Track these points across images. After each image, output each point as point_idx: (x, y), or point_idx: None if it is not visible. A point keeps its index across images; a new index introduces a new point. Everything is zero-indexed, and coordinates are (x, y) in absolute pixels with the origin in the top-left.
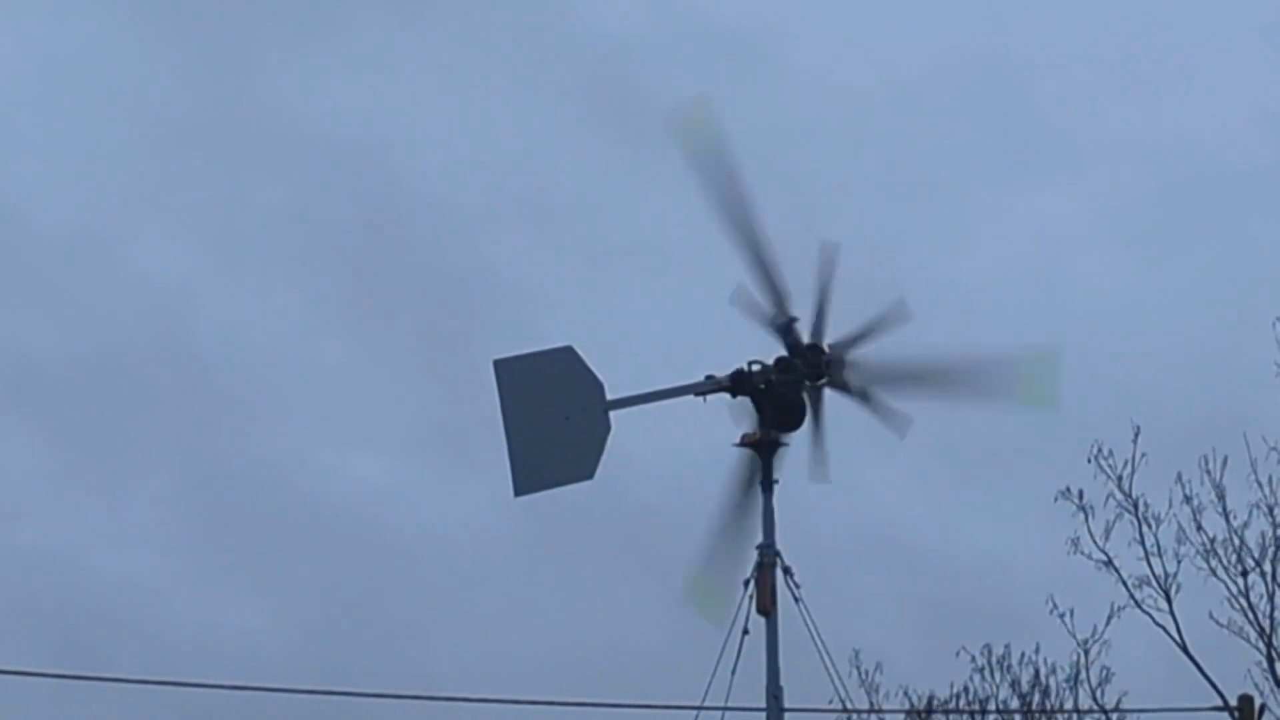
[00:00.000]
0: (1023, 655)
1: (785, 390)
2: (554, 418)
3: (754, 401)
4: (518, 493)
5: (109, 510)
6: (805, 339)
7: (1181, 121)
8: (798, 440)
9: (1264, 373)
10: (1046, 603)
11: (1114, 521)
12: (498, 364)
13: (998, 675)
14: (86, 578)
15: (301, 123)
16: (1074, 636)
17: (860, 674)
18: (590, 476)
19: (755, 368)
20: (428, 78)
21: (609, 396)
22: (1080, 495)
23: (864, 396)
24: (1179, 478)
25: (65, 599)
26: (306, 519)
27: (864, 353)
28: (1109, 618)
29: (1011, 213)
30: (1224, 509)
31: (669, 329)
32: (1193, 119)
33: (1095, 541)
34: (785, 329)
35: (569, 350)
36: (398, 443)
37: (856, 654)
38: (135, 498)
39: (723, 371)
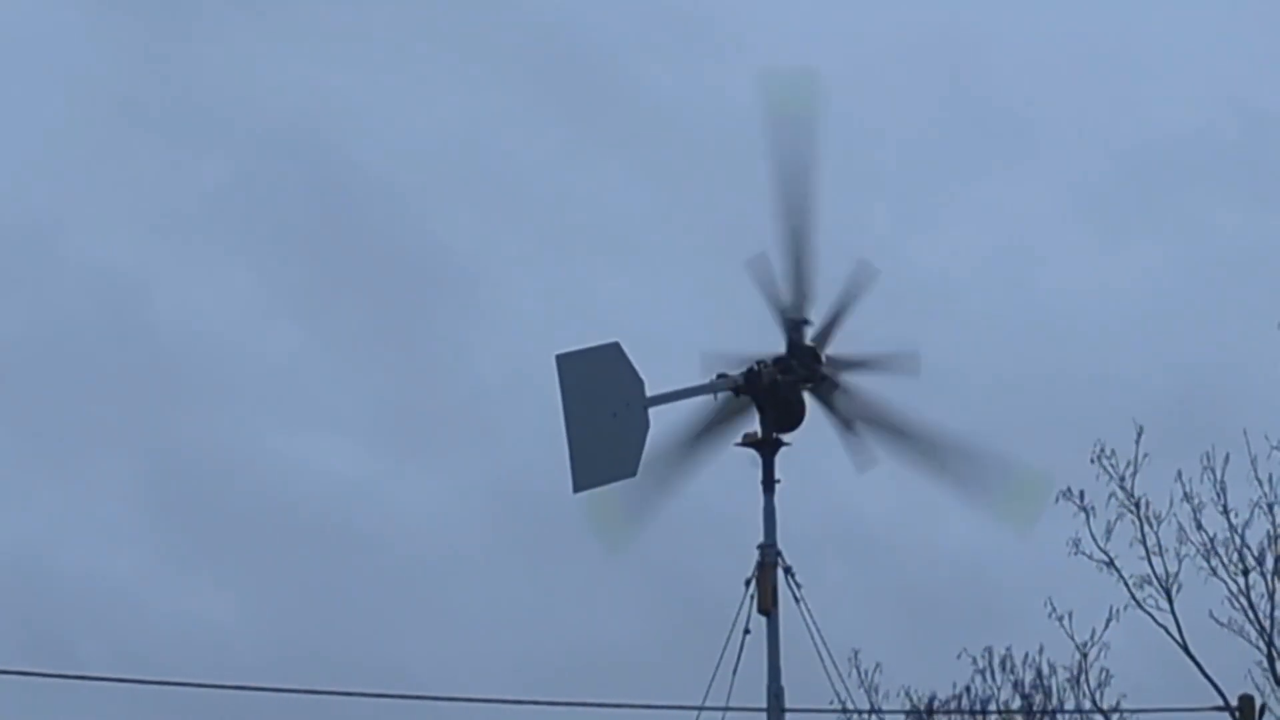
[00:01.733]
0: (1026, 656)
1: (786, 391)
2: (603, 414)
3: (756, 401)
4: (577, 489)
5: (70, 502)
6: (807, 341)
7: (1142, 105)
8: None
9: (1238, 361)
10: (1045, 605)
11: (1115, 521)
12: (560, 359)
13: (999, 677)
14: (50, 571)
15: (245, 98)
16: (1073, 639)
17: (860, 674)
18: (634, 474)
19: (762, 368)
20: (375, 52)
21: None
22: (1081, 496)
23: (845, 424)
24: (1179, 475)
25: (29, 593)
26: (270, 508)
27: (861, 384)
28: (1108, 621)
29: (974, 198)
30: (1224, 507)
31: (628, 309)
32: (1153, 103)
33: (1096, 541)
34: (794, 326)
35: (616, 346)
36: (359, 429)
37: (856, 654)
38: (96, 488)
39: (722, 365)
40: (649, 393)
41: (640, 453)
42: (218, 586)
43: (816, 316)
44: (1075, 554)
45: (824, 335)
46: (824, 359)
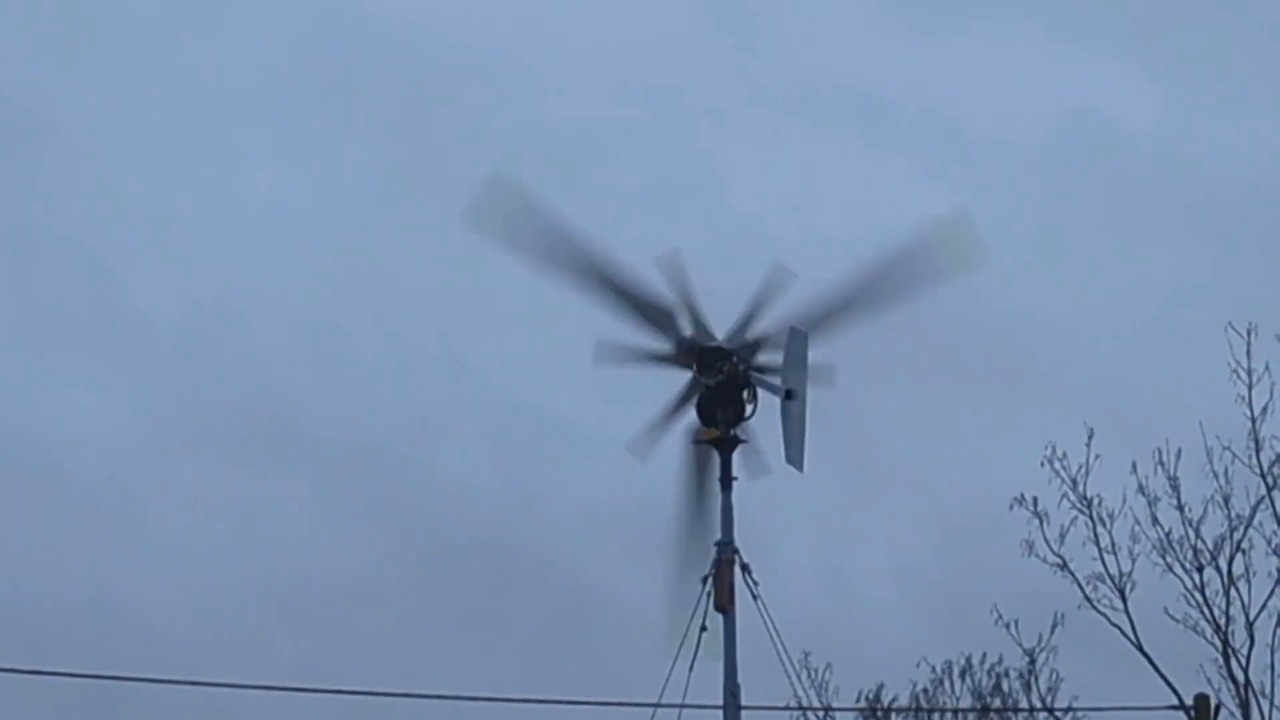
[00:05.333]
0: (984, 657)
1: (730, 384)
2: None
3: (700, 398)
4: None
5: None
6: (701, 343)
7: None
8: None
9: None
10: (991, 612)
11: (1069, 526)
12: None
13: (957, 686)
14: None
15: None
16: (1020, 645)
17: (810, 674)
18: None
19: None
20: None
21: None
22: (1035, 503)
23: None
24: (1134, 468)
25: None
26: None
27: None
28: (1054, 627)
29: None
30: (1179, 502)
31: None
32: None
33: (1050, 545)
34: (688, 348)
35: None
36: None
37: (806, 656)
38: None
39: None
40: None
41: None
42: None
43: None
44: (1029, 556)
45: (738, 334)
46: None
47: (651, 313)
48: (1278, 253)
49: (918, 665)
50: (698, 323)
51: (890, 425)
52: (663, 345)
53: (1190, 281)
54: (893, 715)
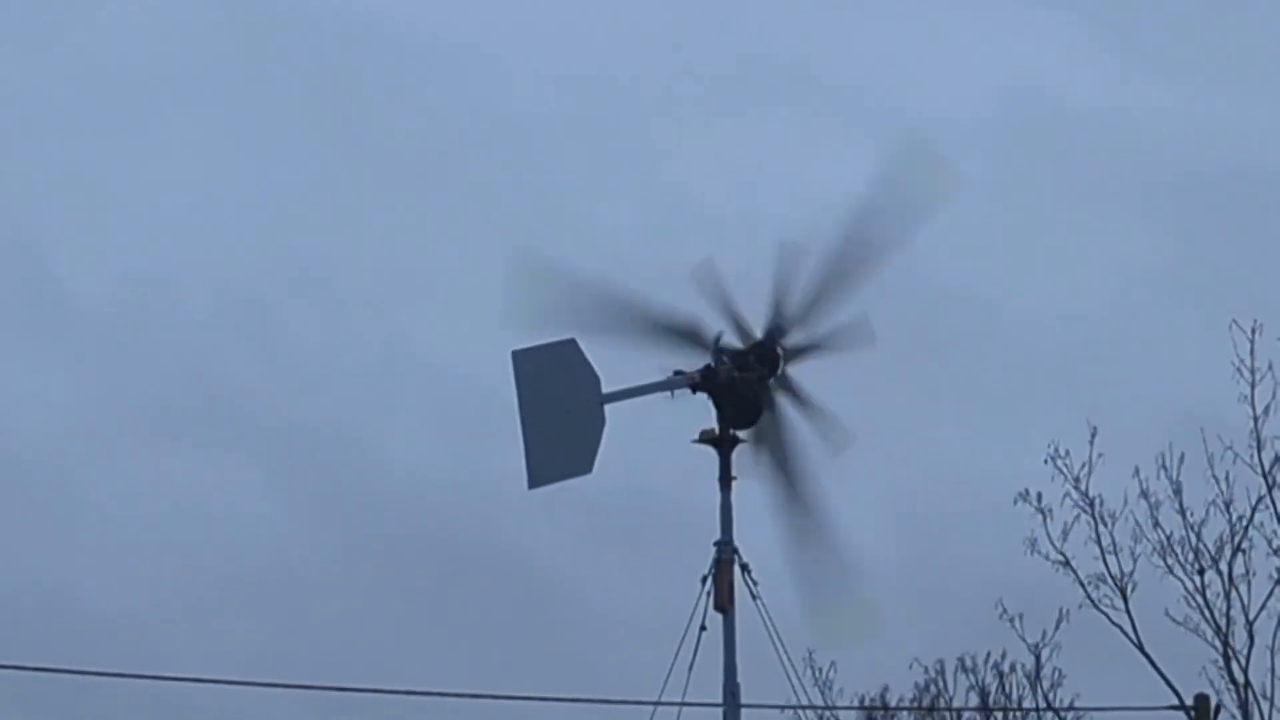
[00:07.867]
0: (988, 656)
1: (744, 388)
2: (557, 410)
3: (713, 398)
4: (531, 485)
5: None
6: (759, 334)
7: None
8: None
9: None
10: (996, 607)
11: (1072, 524)
12: (515, 354)
13: (951, 685)
14: None
15: None
16: (1024, 640)
17: (814, 673)
18: (589, 471)
19: (720, 366)
20: None
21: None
22: (1039, 498)
23: (807, 406)
24: (1136, 472)
25: None
26: None
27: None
28: (1058, 622)
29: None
30: (1180, 506)
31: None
32: None
33: (1053, 542)
34: (716, 349)
35: (572, 343)
36: None
37: (810, 654)
38: None
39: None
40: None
41: (596, 449)
42: None
43: (762, 313)
44: (1031, 554)
45: (775, 326)
46: (780, 351)
47: (684, 333)
48: (1234, 232)
49: (910, 667)
50: (777, 316)
51: (878, 420)
52: (700, 359)
53: (1145, 264)
54: (894, 715)
